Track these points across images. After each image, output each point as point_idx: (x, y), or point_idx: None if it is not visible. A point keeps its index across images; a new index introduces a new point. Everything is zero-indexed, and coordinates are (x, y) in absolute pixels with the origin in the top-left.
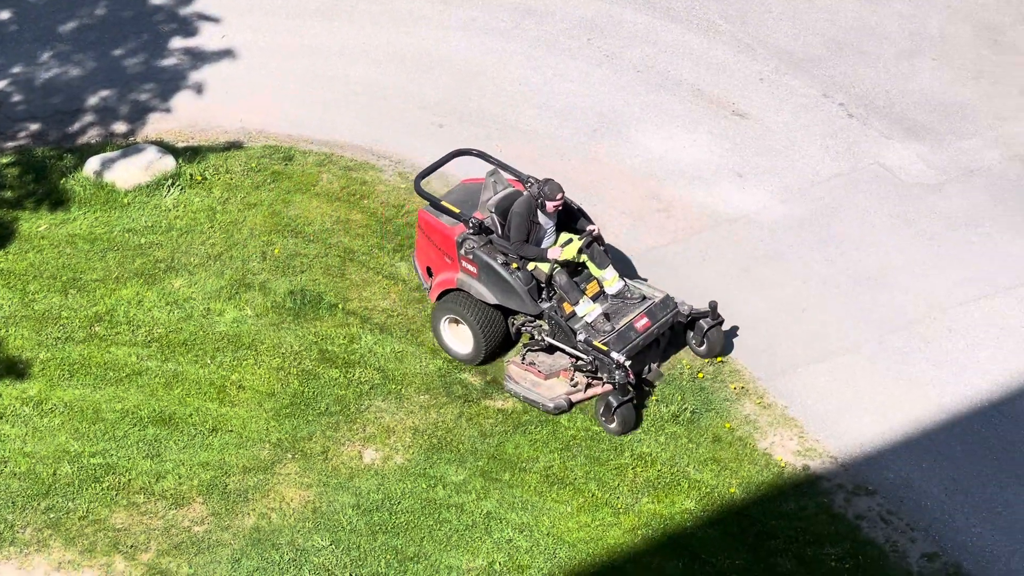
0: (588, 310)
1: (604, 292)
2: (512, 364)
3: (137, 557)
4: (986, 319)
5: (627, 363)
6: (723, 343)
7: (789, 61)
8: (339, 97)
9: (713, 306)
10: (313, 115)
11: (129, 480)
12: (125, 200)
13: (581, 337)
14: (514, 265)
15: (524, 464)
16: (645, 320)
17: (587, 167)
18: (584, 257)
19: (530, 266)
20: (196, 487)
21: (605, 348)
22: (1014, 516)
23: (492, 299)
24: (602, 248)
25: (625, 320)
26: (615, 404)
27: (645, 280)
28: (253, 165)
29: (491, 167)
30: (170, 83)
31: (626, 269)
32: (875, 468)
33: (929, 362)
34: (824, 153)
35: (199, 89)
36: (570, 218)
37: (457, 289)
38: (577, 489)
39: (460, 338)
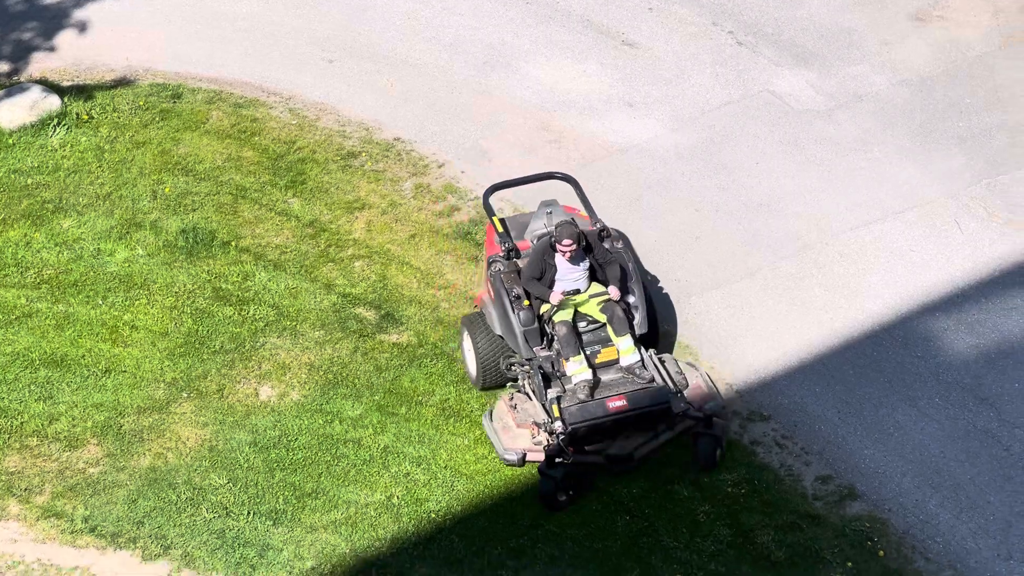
0: (576, 371)
1: (618, 361)
2: (501, 400)
3: (32, 500)
4: (876, 243)
5: (564, 438)
6: (713, 459)
7: None
8: (227, 34)
9: (707, 414)
10: (201, 52)
11: (21, 423)
12: (10, 141)
13: (552, 395)
14: (526, 302)
15: (420, 398)
16: (621, 402)
17: (478, 100)
18: (604, 317)
19: (543, 308)
20: (90, 429)
21: (557, 415)
22: (905, 437)
23: (496, 329)
24: (623, 315)
25: (605, 395)
26: (539, 472)
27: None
28: (141, 103)
29: (550, 198)
30: (53, 21)
31: (667, 347)
32: (769, 394)
33: (821, 287)
34: (714, 81)
35: (83, 27)
36: (596, 267)
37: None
38: (474, 422)
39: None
